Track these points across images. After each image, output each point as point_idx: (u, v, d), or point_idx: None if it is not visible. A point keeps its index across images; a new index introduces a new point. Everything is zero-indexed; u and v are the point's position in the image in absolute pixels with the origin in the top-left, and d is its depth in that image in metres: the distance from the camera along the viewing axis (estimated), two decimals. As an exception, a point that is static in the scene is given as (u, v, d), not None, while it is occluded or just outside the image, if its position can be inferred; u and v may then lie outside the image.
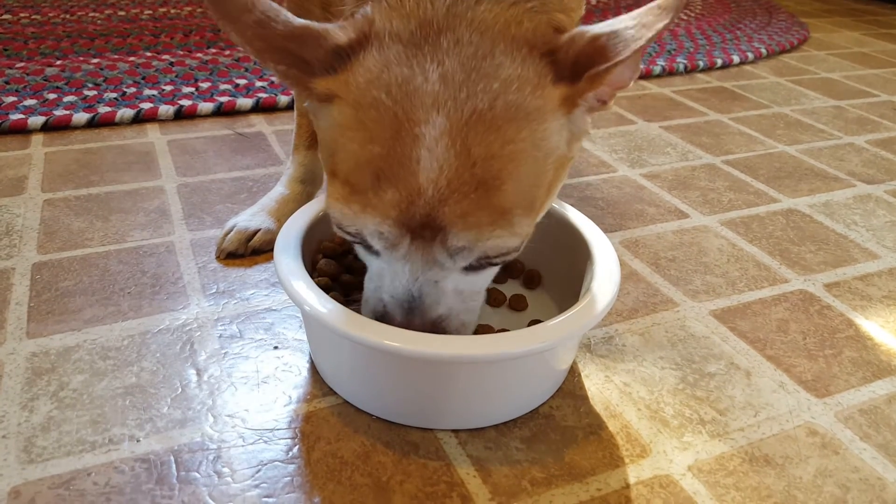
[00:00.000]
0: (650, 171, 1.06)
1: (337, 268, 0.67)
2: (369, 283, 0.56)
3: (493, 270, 0.56)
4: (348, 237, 0.52)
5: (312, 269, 0.66)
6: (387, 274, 0.53)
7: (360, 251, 0.56)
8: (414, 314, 0.52)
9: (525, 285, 0.73)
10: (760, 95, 1.45)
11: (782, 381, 0.65)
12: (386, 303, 0.53)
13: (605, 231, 0.78)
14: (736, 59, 1.65)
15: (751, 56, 1.69)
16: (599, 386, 0.63)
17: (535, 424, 0.58)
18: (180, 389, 0.59)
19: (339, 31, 0.50)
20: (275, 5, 0.49)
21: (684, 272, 0.81)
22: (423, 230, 0.48)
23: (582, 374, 0.64)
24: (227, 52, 1.43)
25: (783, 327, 0.73)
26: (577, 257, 0.66)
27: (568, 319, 0.55)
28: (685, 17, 2.02)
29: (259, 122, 1.14)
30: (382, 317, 0.54)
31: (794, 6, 2.36)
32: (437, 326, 0.53)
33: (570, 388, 0.62)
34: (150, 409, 0.57)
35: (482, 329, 0.62)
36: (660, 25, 0.45)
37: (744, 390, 0.64)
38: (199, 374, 0.61)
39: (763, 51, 1.73)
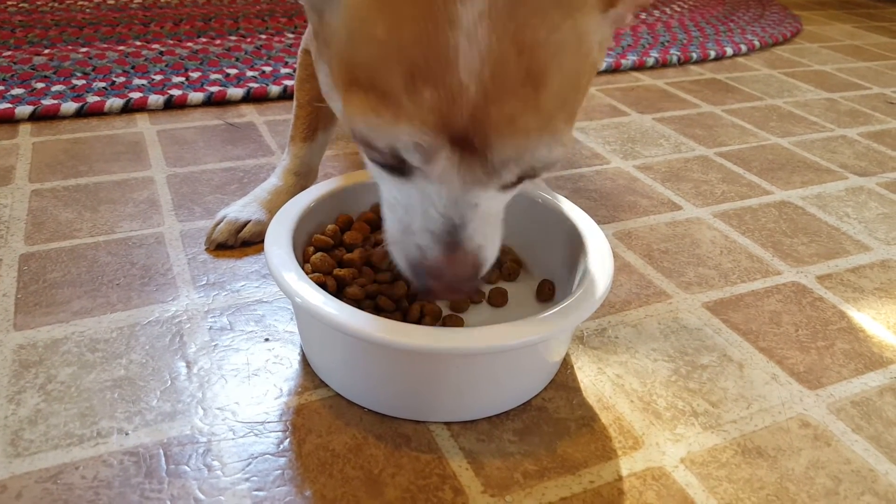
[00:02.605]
0: (643, 163, 1.06)
1: (330, 262, 0.67)
2: (395, 225, 0.48)
3: (514, 192, 0.49)
4: (375, 155, 0.44)
5: (304, 261, 0.65)
6: (417, 206, 0.45)
7: (382, 180, 0.48)
8: (456, 247, 0.45)
9: (506, 278, 0.73)
10: (753, 87, 1.45)
11: (775, 372, 0.65)
12: (422, 245, 0.46)
13: (598, 223, 0.78)
14: (729, 50, 1.65)
15: (744, 48, 1.68)
16: (592, 378, 0.63)
17: (528, 417, 0.58)
18: (170, 382, 0.59)
19: None
20: None
21: (677, 264, 0.81)
22: (466, 138, 0.41)
23: (575, 367, 0.64)
24: (218, 42, 1.41)
25: (776, 319, 0.73)
26: (570, 249, 0.66)
27: (561, 311, 0.55)
28: (679, 9, 2.02)
29: (250, 113, 1.13)
30: (420, 263, 0.46)
31: (787, -2, 2.36)
32: (476, 261, 0.47)
33: (563, 381, 0.62)
34: (139, 402, 0.56)
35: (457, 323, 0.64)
36: None
37: (736, 382, 0.64)
38: (188, 366, 0.60)
39: (756, 43, 1.73)
